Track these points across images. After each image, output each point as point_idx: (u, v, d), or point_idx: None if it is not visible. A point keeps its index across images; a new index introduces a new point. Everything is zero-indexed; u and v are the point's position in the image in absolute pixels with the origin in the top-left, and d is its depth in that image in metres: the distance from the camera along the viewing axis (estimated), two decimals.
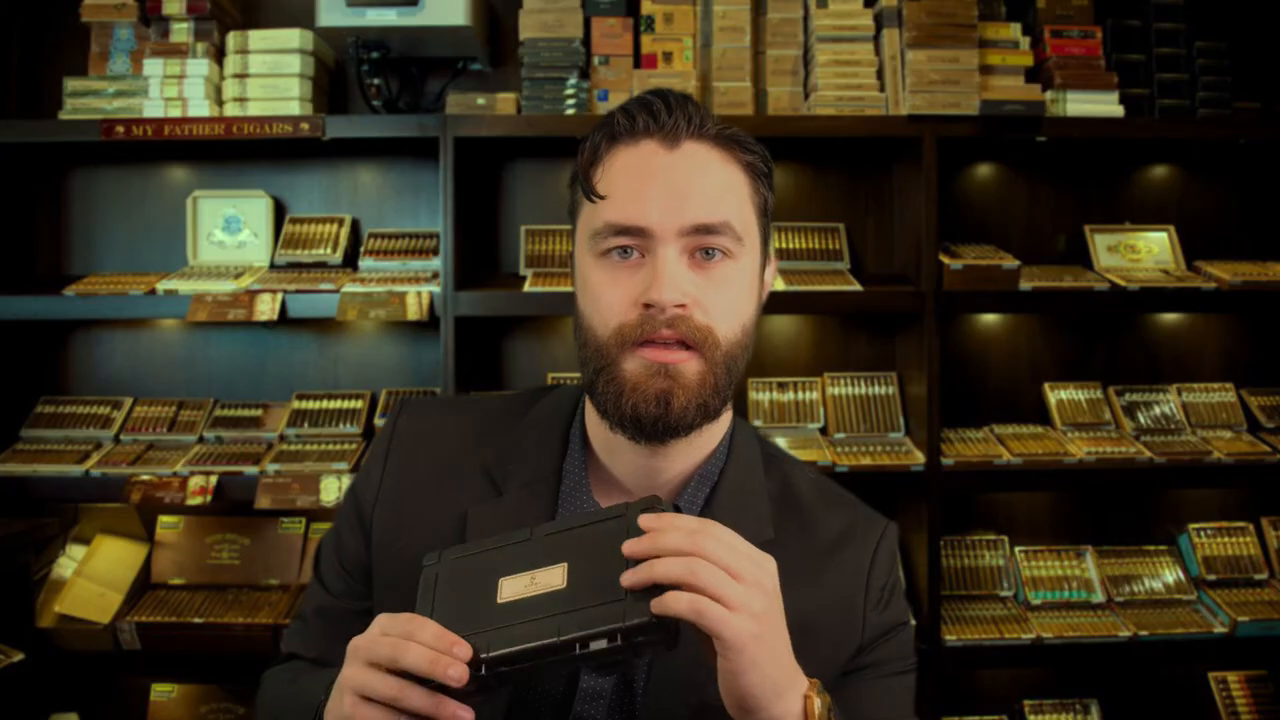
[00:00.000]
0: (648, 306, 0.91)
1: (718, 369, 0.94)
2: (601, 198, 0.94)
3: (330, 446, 2.39)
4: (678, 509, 1.01)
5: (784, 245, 2.55)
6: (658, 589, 0.77)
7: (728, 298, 0.95)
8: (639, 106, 0.96)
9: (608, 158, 0.96)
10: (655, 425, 0.93)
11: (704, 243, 0.93)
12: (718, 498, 1.02)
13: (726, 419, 1.05)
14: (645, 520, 0.79)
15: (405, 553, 1.00)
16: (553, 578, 0.80)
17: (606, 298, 0.94)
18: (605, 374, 0.94)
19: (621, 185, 0.94)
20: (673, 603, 0.76)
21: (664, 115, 0.95)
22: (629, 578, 0.77)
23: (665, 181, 0.93)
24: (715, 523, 0.80)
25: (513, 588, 0.80)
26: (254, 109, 2.33)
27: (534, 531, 0.84)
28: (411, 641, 0.77)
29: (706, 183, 0.94)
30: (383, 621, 0.81)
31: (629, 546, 0.78)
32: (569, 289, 2.49)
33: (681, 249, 0.93)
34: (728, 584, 0.77)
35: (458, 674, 0.76)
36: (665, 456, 0.99)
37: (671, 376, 0.92)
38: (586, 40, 2.41)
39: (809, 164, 2.65)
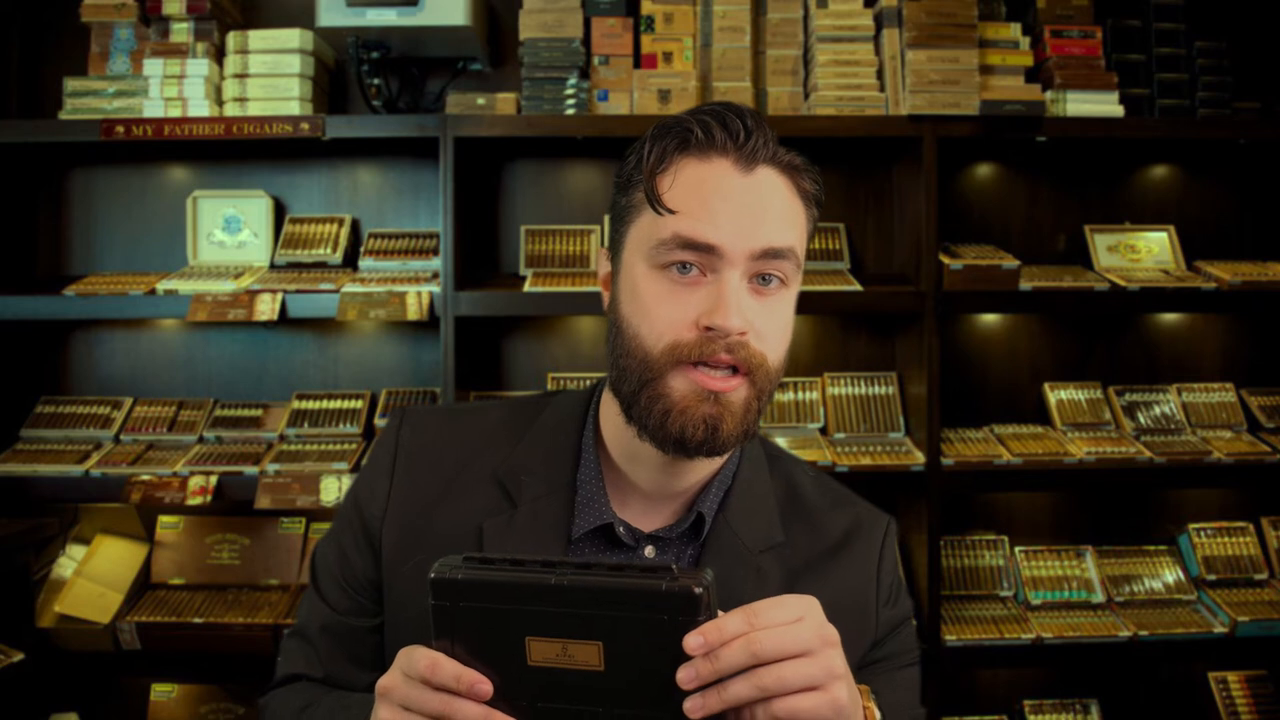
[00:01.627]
0: (708, 329, 0.90)
1: (763, 395, 0.94)
2: (671, 212, 0.92)
3: (330, 446, 2.39)
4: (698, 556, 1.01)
5: None
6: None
7: (779, 325, 0.95)
8: (718, 122, 0.93)
9: (676, 167, 0.93)
10: (700, 448, 0.92)
11: (767, 268, 0.92)
12: (732, 501, 1.02)
13: None
14: (690, 643, 0.73)
15: (420, 568, 0.98)
16: (588, 656, 0.74)
17: (662, 312, 0.92)
18: (650, 389, 0.92)
19: (694, 199, 0.92)
20: (756, 718, 0.74)
21: (743, 136, 0.93)
22: (695, 708, 0.73)
23: (740, 203, 0.91)
24: (758, 606, 0.75)
25: (543, 651, 0.75)
26: (254, 109, 2.33)
27: (558, 573, 0.74)
28: (463, 701, 0.75)
29: (777, 209, 0.94)
30: (407, 664, 0.78)
31: (686, 676, 0.73)
32: (569, 289, 2.47)
33: (744, 273, 0.92)
34: (804, 669, 0.74)
35: None
36: (688, 466, 0.99)
37: (721, 403, 0.91)
38: (586, 40, 2.41)
39: None
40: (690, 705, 0.73)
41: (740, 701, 0.73)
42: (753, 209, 0.92)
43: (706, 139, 0.93)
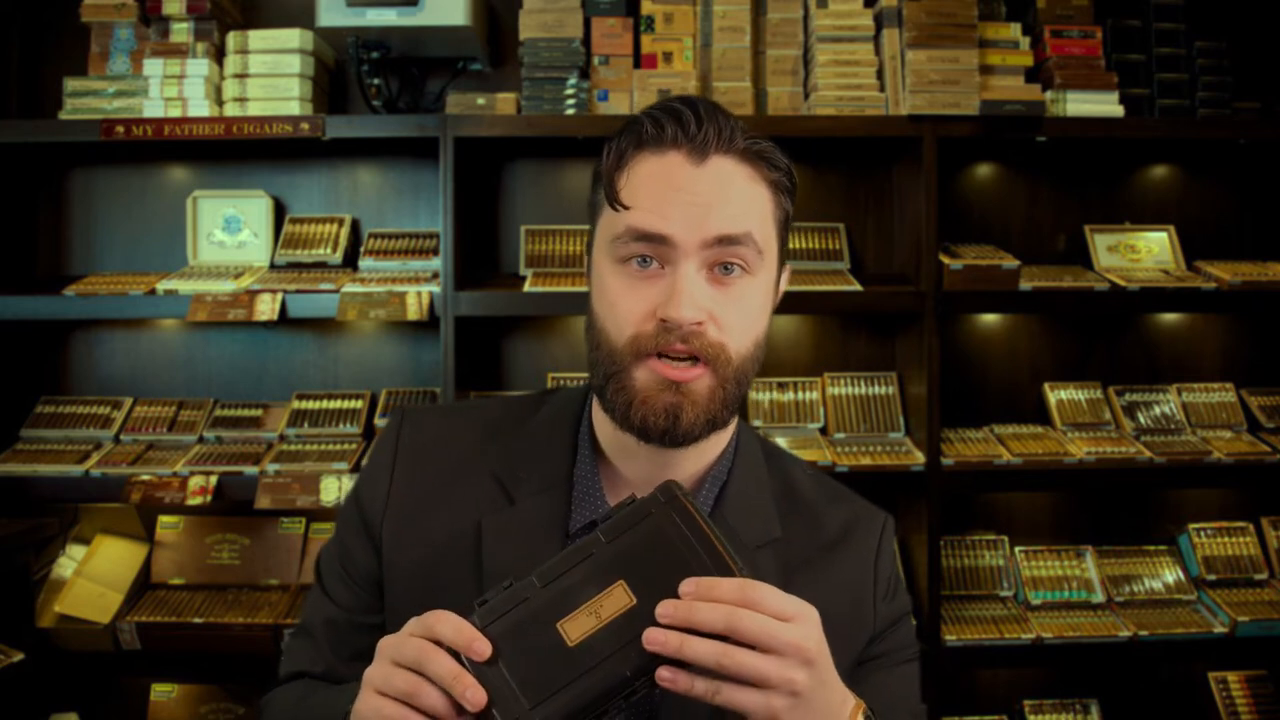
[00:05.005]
0: (664, 320, 0.91)
1: (728, 384, 0.94)
2: (626, 207, 0.93)
3: (330, 446, 2.39)
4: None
5: None
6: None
7: (743, 314, 0.94)
8: (669, 116, 0.94)
9: (632, 164, 0.95)
10: (663, 437, 0.93)
11: (725, 255, 0.92)
12: (727, 498, 1.03)
13: (734, 420, 1.05)
14: (685, 586, 0.76)
15: (419, 564, 1.00)
16: (617, 600, 0.77)
17: (623, 306, 0.93)
18: (615, 381, 0.94)
19: (646, 193, 0.93)
20: (693, 686, 0.75)
21: (693, 127, 0.93)
22: (653, 640, 0.74)
23: (691, 194, 0.92)
24: (758, 585, 0.76)
25: (578, 628, 0.77)
26: (254, 109, 2.33)
27: (560, 553, 0.80)
28: (440, 651, 0.76)
29: (730, 198, 0.93)
30: (410, 623, 0.80)
31: (663, 611, 0.75)
32: (569, 289, 2.48)
33: (701, 263, 0.92)
34: (764, 667, 0.74)
35: (475, 698, 0.74)
36: (676, 459, 0.99)
37: (682, 392, 0.92)
38: (586, 40, 2.41)
39: (809, 164, 2.65)
40: (650, 636, 0.74)
41: (696, 660, 0.74)
42: (705, 198, 0.92)
43: (658, 133, 0.94)
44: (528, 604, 0.77)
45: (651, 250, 0.92)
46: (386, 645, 0.79)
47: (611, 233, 0.95)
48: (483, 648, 0.75)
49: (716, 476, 1.03)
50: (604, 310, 0.96)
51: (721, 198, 0.93)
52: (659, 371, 0.92)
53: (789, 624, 0.76)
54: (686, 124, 0.93)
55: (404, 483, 1.04)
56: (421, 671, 0.76)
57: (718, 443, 1.03)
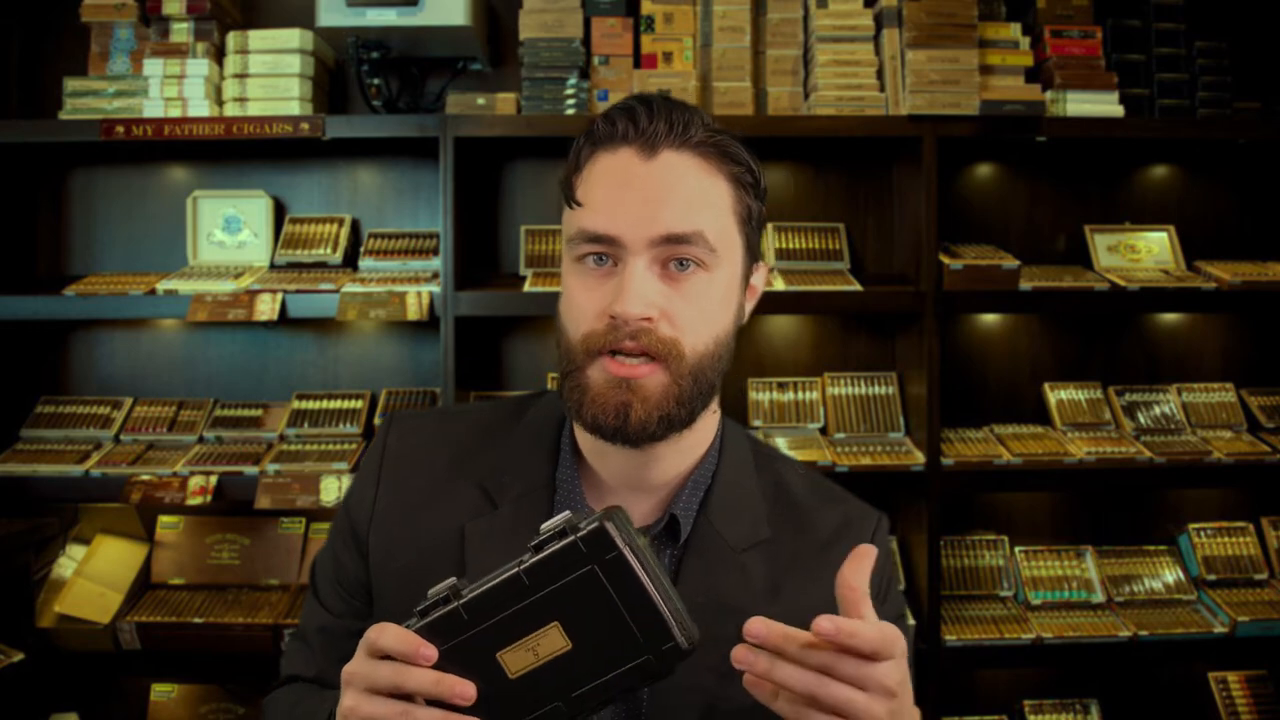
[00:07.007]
0: (613, 317, 0.91)
1: (683, 381, 0.93)
2: (579, 204, 0.95)
3: (330, 446, 2.39)
4: (644, 530, 1.01)
5: (784, 245, 2.55)
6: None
7: (698, 310, 0.94)
8: (621, 112, 0.95)
9: (589, 164, 0.96)
10: (614, 435, 0.93)
11: (675, 253, 0.92)
12: (713, 500, 1.02)
13: (715, 420, 1.05)
14: (750, 626, 0.74)
15: (404, 571, 1.00)
16: (553, 641, 0.75)
17: (577, 303, 0.95)
18: (571, 379, 0.94)
19: (597, 193, 0.94)
20: (775, 701, 0.75)
21: (644, 121, 0.93)
22: (740, 660, 0.75)
23: (639, 191, 0.92)
24: (856, 629, 0.74)
25: (517, 661, 0.76)
26: (254, 109, 2.33)
27: (486, 581, 0.76)
28: (410, 667, 0.76)
29: (682, 193, 0.93)
30: (359, 647, 0.79)
31: (754, 630, 0.74)
32: None
33: (652, 259, 0.92)
34: (851, 696, 0.74)
35: (465, 691, 0.74)
36: (653, 459, 0.99)
37: (632, 390, 0.91)
38: (586, 40, 2.41)
39: (809, 164, 2.64)
40: (739, 654, 0.75)
41: (787, 686, 0.74)
42: (653, 195, 0.92)
43: (610, 130, 0.95)
44: (465, 627, 0.76)
45: (603, 249, 0.93)
46: (355, 676, 0.78)
47: (568, 233, 0.96)
48: (430, 652, 0.75)
49: (700, 479, 1.03)
50: (564, 309, 0.97)
51: (670, 193, 0.92)
52: (610, 369, 0.92)
53: (881, 664, 0.75)
54: (638, 119, 0.94)
55: (389, 491, 1.05)
56: (403, 690, 0.75)
57: (698, 443, 1.02)
